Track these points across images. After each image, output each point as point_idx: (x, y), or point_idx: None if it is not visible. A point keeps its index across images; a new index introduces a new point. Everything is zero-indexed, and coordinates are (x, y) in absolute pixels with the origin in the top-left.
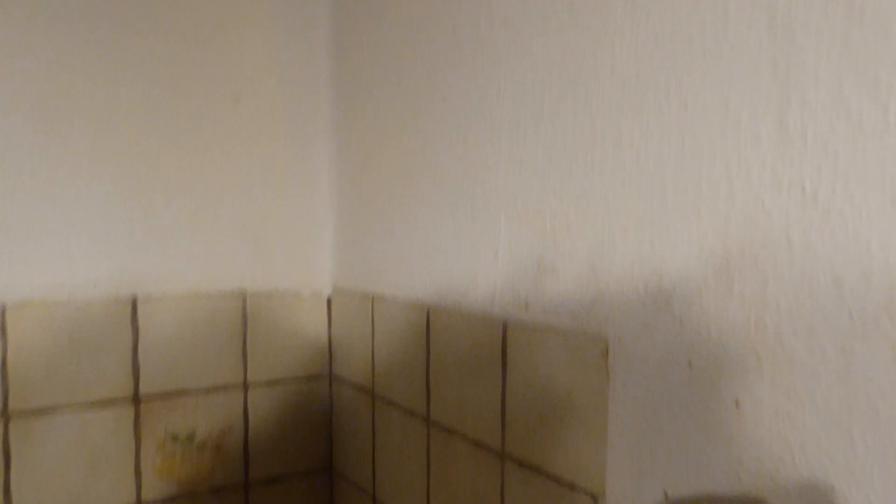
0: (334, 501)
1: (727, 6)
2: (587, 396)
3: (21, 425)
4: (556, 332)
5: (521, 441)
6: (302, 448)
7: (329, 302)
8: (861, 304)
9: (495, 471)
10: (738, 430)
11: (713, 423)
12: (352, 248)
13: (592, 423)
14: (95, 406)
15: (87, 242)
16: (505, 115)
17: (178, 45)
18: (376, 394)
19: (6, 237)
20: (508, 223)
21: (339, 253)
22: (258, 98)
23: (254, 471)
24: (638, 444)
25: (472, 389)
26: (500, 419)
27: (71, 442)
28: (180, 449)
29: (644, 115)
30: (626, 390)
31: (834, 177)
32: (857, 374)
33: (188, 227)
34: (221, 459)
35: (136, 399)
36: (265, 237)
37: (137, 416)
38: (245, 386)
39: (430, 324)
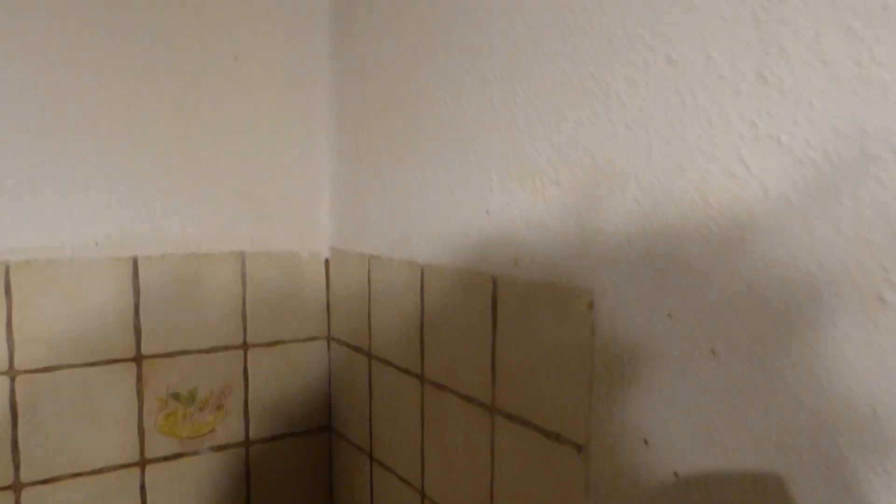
0: (333, 459)
1: None
2: (573, 349)
3: (27, 383)
4: (543, 287)
5: (510, 395)
6: (301, 407)
7: (327, 263)
8: (831, 253)
9: (485, 425)
10: (713, 378)
11: (690, 372)
12: (350, 209)
13: (578, 375)
14: (98, 365)
15: (88, 203)
16: (497, 72)
17: (176, 4)
18: (373, 353)
19: (9, 198)
20: (500, 181)
21: (337, 214)
22: (257, 58)
23: (254, 430)
24: (620, 395)
25: (464, 346)
26: (491, 374)
27: (75, 400)
28: (182, 408)
29: (630, 70)
30: (609, 343)
31: (809, 128)
32: (826, 326)
33: (187, 188)
34: (222, 418)
35: (137, 358)
36: (264, 198)
37: (139, 375)
38: (245, 346)
39: (424, 283)
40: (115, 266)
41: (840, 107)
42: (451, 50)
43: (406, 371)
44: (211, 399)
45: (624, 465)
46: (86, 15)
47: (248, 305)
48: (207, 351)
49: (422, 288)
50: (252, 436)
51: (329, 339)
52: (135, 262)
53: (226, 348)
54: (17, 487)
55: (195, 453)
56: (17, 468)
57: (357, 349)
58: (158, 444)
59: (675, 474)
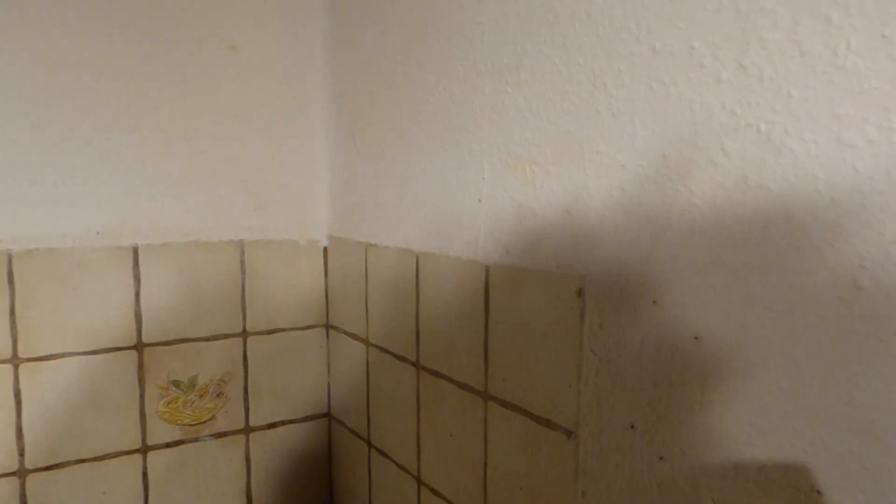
0: (332, 445)
1: None
2: (563, 337)
3: (30, 371)
4: (534, 275)
5: (502, 381)
6: (300, 394)
7: (325, 251)
8: (807, 239)
9: (479, 411)
10: (697, 364)
11: (676, 357)
12: (347, 198)
13: (568, 362)
14: (100, 353)
15: (89, 193)
16: (488, 61)
17: None
18: (370, 341)
19: (11, 188)
20: (492, 170)
21: (335, 202)
22: (254, 48)
23: (254, 416)
24: (608, 380)
25: (458, 333)
26: (484, 361)
27: (78, 388)
28: (183, 395)
29: (616, 60)
30: (598, 329)
31: (787, 117)
32: (801, 307)
33: (186, 178)
34: (223, 405)
35: (139, 346)
36: (263, 187)
37: (141, 362)
38: (244, 334)
39: (419, 271)
40: (116, 255)
41: (817, 95)
42: (444, 39)
43: (402, 358)
44: (211, 386)
45: (612, 450)
46: (85, 7)
47: (248, 293)
48: (207, 339)
49: (417, 276)
50: (252, 423)
51: (328, 326)
52: (135, 250)
53: (226, 336)
54: (21, 473)
55: (196, 440)
56: (21, 454)
57: (355, 337)
58: (160, 431)
59: (661, 458)
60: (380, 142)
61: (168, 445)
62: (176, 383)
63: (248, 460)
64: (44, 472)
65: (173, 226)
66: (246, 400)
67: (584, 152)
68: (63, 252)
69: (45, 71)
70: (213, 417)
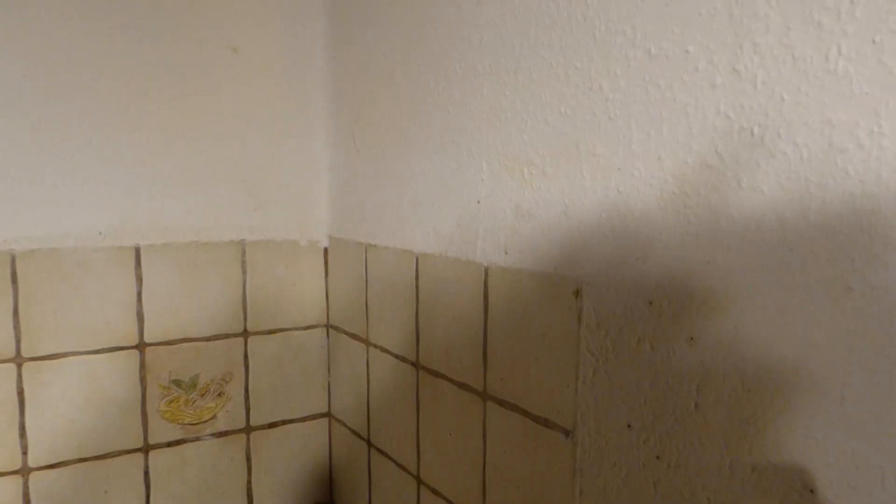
0: (332, 445)
1: None
2: (560, 337)
3: (33, 370)
4: (532, 276)
5: (501, 381)
6: (300, 394)
7: (326, 252)
8: (800, 241)
9: (478, 411)
10: (693, 365)
11: (673, 358)
12: (347, 198)
13: (565, 362)
14: (102, 352)
15: (91, 193)
16: (486, 63)
17: None
18: (370, 341)
19: (13, 188)
20: (490, 171)
21: (335, 203)
22: (255, 49)
23: (254, 416)
24: (605, 380)
25: (457, 333)
26: (483, 361)
27: (80, 387)
28: (184, 395)
29: (612, 63)
30: (595, 330)
31: (779, 121)
32: (795, 308)
33: (187, 178)
34: (223, 405)
35: (140, 345)
36: (263, 187)
37: (142, 362)
38: (245, 334)
39: (419, 272)
40: (118, 255)
41: (809, 100)
42: (443, 41)
43: (402, 358)
44: (212, 386)
45: (609, 449)
46: (86, 7)
47: (248, 293)
48: (208, 338)
49: (417, 277)
50: (252, 422)
51: (328, 326)
52: (137, 250)
53: (226, 336)
54: (24, 472)
55: (197, 439)
56: (24, 453)
57: (355, 337)
58: (161, 430)
59: (657, 457)
60: (380, 142)
61: (169, 444)
62: (177, 383)
63: (248, 459)
64: (46, 471)
65: (174, 226)
66: (247, 399)
67: (581, 154)
68: (65, 252)
69: (45, 71)
70: (213, 417)
